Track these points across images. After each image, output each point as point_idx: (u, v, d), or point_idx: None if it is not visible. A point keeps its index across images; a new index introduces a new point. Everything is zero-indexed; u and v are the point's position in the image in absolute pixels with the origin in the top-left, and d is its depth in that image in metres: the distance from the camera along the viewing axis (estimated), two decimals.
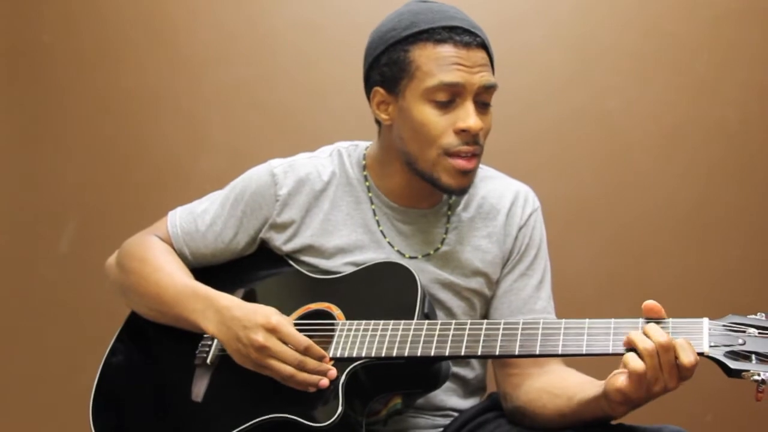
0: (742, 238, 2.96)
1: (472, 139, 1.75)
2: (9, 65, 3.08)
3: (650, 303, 1.52)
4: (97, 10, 3.05)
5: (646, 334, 1.47)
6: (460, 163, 1.75)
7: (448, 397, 1.90)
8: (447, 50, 1.74)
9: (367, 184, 1.90)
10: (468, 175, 1.77)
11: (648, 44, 2.97)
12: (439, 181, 1.77)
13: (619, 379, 1.49)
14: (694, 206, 2.96)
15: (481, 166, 1.96)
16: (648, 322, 1.50)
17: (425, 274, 1.84)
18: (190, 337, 1.82)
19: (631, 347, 1.48)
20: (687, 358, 1.44)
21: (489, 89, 1.77)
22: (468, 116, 1.73)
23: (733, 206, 2.96)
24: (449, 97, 1.74)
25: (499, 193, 1.92)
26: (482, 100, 1.77)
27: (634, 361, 1.46)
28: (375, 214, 1.88)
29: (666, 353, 1.45)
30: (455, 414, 1.90)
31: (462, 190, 1.80)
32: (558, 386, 1.72)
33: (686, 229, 2.96)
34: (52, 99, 3.06)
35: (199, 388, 1.78)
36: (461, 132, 1.74)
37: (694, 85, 2.96)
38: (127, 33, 3.04)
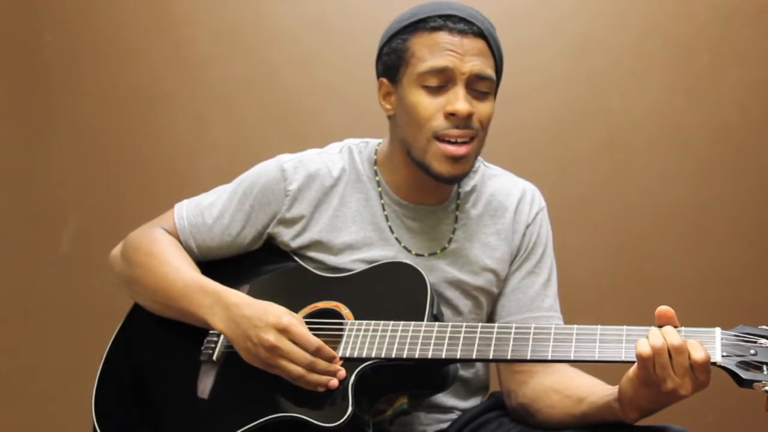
0: (742, 235, 2.97)
1: (462, 123, 1.75)
2: (11, 64, 3.06)
3: (663, 309, 1.53)
4: (99, 9, 3.04)
5: (662, 334, 1.48)
6: (449, 148, 1.75)
7: (448, 398, 1.90)
8: (441, 37, 1.76)
9: (377, 179, 1.90)
10: (459, 162, 1.77)
11: (648, 43, 2.98)
12: (430, 168, 1.78)
13: (631, 370, 1.51)
14: (694, 204, 2.97)
15: (488, 164, 1.98)
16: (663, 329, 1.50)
17: (433, 272, 1.85)
18: (194, 333, 1.81)
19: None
20: (698, 354, 1.45)
21: (482, 79, 1.77)
22: (457, 100, 1.74)
23: (733, 204, 2.97)
24: (440, 83, 1.76)
25: (507, 190, 1.93)
26: (476, 88, 1.77)
27: (642, 345, 1.47)
28: (384, 210, 1.89)
29: (679, 355, 1.46)
30: (459, 412, 1.91)
31: (454, 178, 1.81)
32: (568, 387, 1.73)
33: (686, 227, 2.97)
34: (53, 98, 3.04)
35: (205, 385, 1.77)
36: (450, 115, 1.75)
37: (695, 84, 2.97)
38: (130, 31, 3.04)
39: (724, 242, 2.96)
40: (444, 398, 1.89)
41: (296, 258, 1.89)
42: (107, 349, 1.91)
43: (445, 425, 1.90)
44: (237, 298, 1.74)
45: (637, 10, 2.97)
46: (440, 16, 1.78)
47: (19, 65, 3.06)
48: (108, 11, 3.04)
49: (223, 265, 1.93)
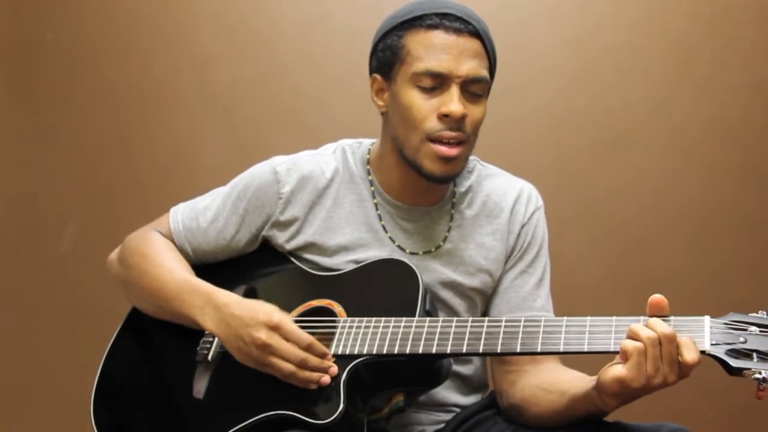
0: (741, 233, 2.97)
1: (455, 125, 1.74)
2: (12, 62, 3.07)
3: (656, 297, 1.52)
4: (101, 8, 3.05)
5: (649, 327, 1.47)
6: (441, 149, 1.75)
7: (450, 393, 1.90)
8: (437, 36, 1.75)
9: (370, 178, 1.90)
10: (451, 162, 1.77)
11: (649, 42, 2.97)
12: (422, 168, 1.77)
13: (617, 369, 1.49)
14: (695, 202, 2.96)
15: (485, 164, 1.97)
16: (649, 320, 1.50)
17: (428, 272, 1.84)
18: (191, 334, 1.81)
19: (632, 338, 1.48)
20: (690, 355, 1.44)
21: (477, 82, 1.77)
22: (451, 101, 1.73)
23: (733, 202, 2.96)
24: (435, 84, 1.75)
25: (503, 190, 1.93)
26: (470, 90, 1.76)
27: (633, 343, 1.46)
28: (377, 210, 1.88)
29: (669, 344, 1.45)
30: (457, 410, 1.91)
31: (446, 178, 1.80)
32: (550, 382, 1.73)
33: (686, 225, 2.97)
34: (54, 97, 3.05)
35: (201, 385, 1.77)
36: (444, 117, 1.74)
37: (695, 83, 2.96)
38: (132, 30, 3.04)
39: (724, 237, 2.96)
40: (444, 395, 1.88)
41: (292, 259, 1.89)
42: (107, 350, 1.92)
43: (444, 422, 1.89)
44: (227, 298, 1.75)
45: (638, 7, 2.97)
46: (437, 14, 1.76)
47: (20, 64, 3.07)
48: (110, 10, 3.05)
49: (220, 267, 1.93)
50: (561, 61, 2.96)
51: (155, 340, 1.91)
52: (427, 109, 1.75)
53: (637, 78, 2.96)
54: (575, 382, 1.66)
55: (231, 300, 1.73)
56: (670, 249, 2.95)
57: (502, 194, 1.92)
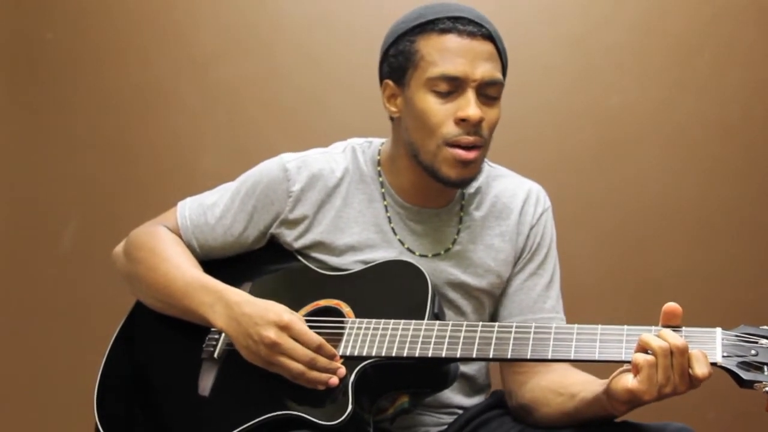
0: (741, 233, 2.97)
1: (473, 129, 1.74)
2: (12, 62, 3.06)
3: (671, 306, 1.53)
4: (101, 8, 3.03)
5: (661, 337, 1.48)
6: (459, 153, 1.75)
7: (454, 395, 1.91)
8: (450, 40, 1.75)
9: (381, 180, 1.90)
10: (468, 166, 1.77)
11: (650, 42, 2.97)
12: (439, 173, 1.77)
13: (629, 379, 1.50)
14: (695, 202, 2.96)
15: (493, 164, 1.98)
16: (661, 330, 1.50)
17: (437, 273, 1.85)
18: (196, 331, 1.82)
19: (642, 349, 1.49)
20: (701, 369, 1.46)
21: (492, 84, 1.77)
22: (468, 105, 1.73)
23: (733, 202, 2.96)
24: (451, 88, 1.75)
25: (512, 191, 1.93)
26: (486, 93, 1.77)
27: (644, 356, 1.47)
28: (387, 212, 1.88)
29: (681, 356, 1.46)
30: (461, 411, 1.91)
31: (463, 182, 1.80)
32: (561, 384, 1.73)
33: (687, 225, 2.97)
34: (54, 96, 3.03)
35: (206, 383, 1.78)
36: (461, 121, 1.74)
37: (696, 83, 2.95)
38: (132, 29, 3.02)
39: (725, 238, 2.96)
40: (448, 396, 1.89)
41: (299, 257, 1.89)
42: (108, 348, 1.92)
43: (447, 423, 1.90)
44: (238, 296, 1.74)
45: (638, 7, 2.97)
46: (449, 18, 1.77)
47: (20, 64, 3.05)
48: (110, 10, 3.03)
49: (227, 264, 1.93)
50: (561, 61, 2.96)
51: (158, 338, 1.91)
52: (443, 114, 1.75)
53: (637, 78, 2.95)
54: (586, 385, 1.67)
55: (242, 298, 1.73)
56: (670, 249, 2.95)
57: (510, 195, 1.93)
